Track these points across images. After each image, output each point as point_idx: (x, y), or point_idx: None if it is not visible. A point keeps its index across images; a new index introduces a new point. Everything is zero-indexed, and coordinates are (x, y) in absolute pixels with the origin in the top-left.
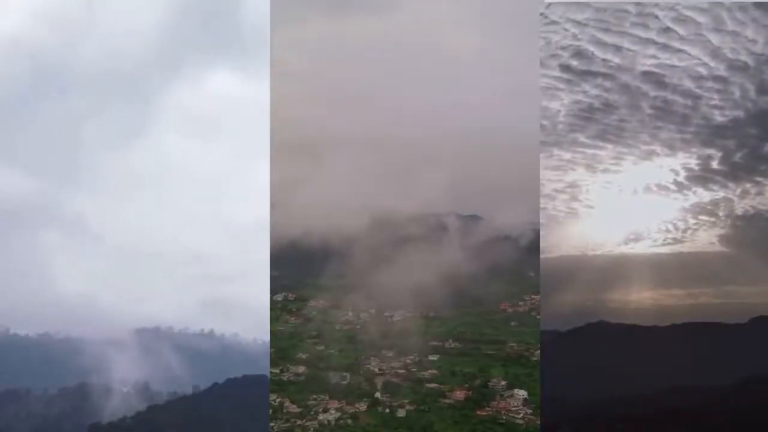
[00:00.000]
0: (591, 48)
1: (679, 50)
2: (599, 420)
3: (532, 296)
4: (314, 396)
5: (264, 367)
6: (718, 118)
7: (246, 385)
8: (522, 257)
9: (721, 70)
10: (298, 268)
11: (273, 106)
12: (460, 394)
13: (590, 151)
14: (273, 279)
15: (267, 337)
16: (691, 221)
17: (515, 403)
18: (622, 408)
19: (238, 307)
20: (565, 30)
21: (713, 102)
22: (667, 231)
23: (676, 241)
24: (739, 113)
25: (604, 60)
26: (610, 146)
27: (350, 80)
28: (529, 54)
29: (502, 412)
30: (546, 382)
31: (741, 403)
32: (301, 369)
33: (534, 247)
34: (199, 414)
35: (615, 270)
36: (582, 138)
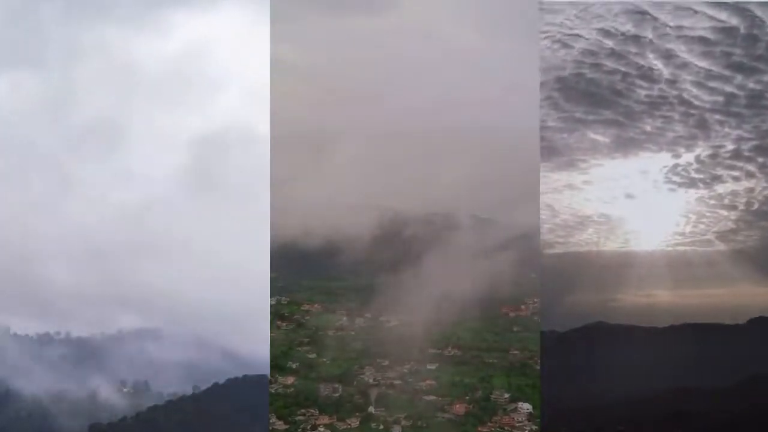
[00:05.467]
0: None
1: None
2: (599, 421)
3: (535, 299)
4: (303, 410)
5: (264, 368)
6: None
7: (246, 386)
8: (524, 257)
9: None
10: (295, 269)
11: (272, 103)
12: (460, 408)
13: (611, 131)
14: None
15: (267, 338)
16: (708, 215)
17: (519, 418)
18: (623, 409)
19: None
20: None
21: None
22: (677, 225)
23: (684, 236)
24: None
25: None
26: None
27: (350, 76)
28: (529, 50)
29: (506, 428)
30: (546, 383)
31: (742, 404)
32: (290, 380)
33: (535, 246)
34: (199, 414)
35: (620, 268)
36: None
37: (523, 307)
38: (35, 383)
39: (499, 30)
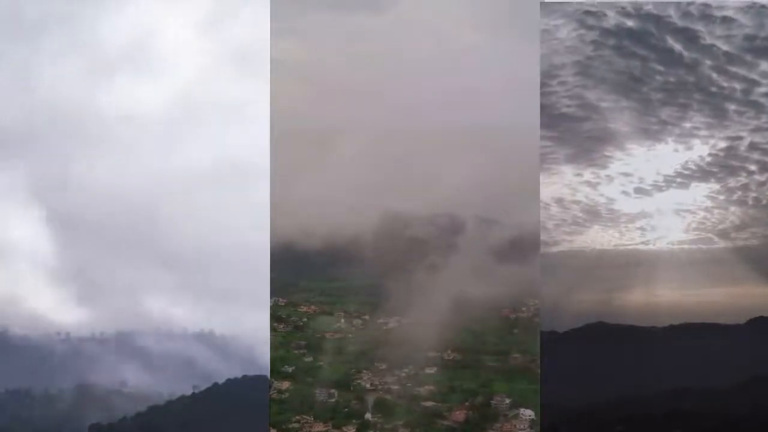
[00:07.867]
0: None
1: None
2: (599, 421)
3: (536, 301)
4: (297, 417)
5: (264, 368)
6: None
7: (246, 386)
8: (525, 258)
9: None
10: (294, 270)
11: (273, 101)
12: (459, 415)
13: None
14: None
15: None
16: (716, 211)
17: (521, 425)
18: (623, 409)
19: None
20: None
21: None
22: (683, 220)
23: (688, 233)
24: None
25: None
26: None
27: (351, 74)
28: (530, 48)
29: None
30: (545, 384)
31: (742, 404)
32: (285, 385)
33: (536, 246)
34: (199, 414)
35: (621, 267)
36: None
37: (524, 309)
38: None
39: (499, 28)
